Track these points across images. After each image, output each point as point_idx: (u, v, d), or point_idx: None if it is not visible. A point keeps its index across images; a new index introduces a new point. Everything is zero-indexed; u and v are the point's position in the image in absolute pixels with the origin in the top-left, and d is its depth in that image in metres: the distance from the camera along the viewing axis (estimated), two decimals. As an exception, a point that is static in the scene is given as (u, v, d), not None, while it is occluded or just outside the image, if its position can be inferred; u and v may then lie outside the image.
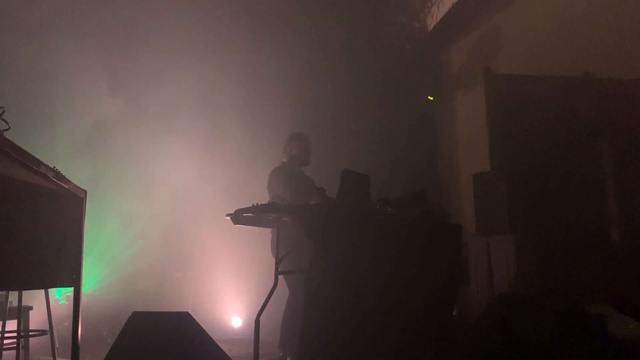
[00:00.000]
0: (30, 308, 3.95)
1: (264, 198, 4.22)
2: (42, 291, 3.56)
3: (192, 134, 6.28)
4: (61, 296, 5.72)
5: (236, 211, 3.62)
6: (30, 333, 3.74)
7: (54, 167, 2.25)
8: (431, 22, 6.86)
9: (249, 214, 3.61)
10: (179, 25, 6.36)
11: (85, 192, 2.75)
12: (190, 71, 6.33)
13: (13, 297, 3.73)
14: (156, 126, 6.22)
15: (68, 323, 5.28)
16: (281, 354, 4.29)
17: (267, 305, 3.60)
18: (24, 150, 1.85)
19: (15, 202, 2.35)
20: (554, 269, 5.46)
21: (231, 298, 6.30)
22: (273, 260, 4.01)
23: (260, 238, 4.85)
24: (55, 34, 5.80)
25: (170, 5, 6.34)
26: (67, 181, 2.44)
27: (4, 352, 3.54)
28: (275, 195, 4.30)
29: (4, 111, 1.80)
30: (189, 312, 3.13)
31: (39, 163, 2.02)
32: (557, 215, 5.76)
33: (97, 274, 6.06)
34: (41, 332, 3.74)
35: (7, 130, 1.80)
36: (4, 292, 3.61)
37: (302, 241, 3.52)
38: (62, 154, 5.14)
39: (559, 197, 5.86)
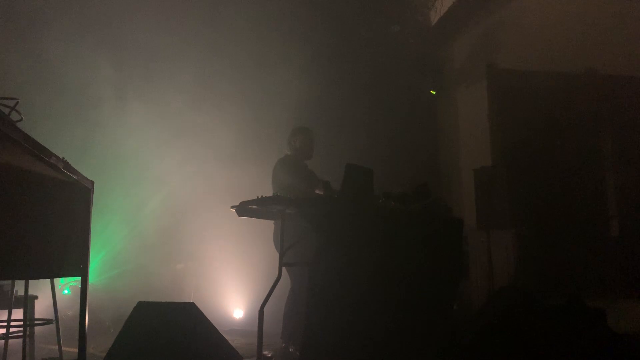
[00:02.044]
0: (36, 297, 3.98)
1: (266, 191, 4.25)
2: (45, 281, 3.60)
3: (196, 127, 6.30)
4: (64, 286, 5.76)
5: (241, 203, 3.64)
6: (36, 322, 3.77)
7: (63, 157, 2.27)
8: (435, 17, 6.86)
9: (254, 206, 3.63)
10: (181, 21, 6.37)
11: (92, 182, 2.77)
12: (194, 67, 6.36)
13: (18, 286, 3.76)
14: (160, 120, 6.24)
15: (71, 312, 5.32)
16: (284, 344, 4.34)
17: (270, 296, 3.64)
18: (36, 140, 1.88)
19: (24, 191, 2.38)
20: (554, 263, 5.50)
21: (233, 290, 6.34)
22: (275, 252, 4.05)
23: (262, 230, 4.89)
24: (70, 30, 5.85)
25: (173, 2, 6.35)
26: (76, 172, 2.46)
27: (10, 341, 3.58)
28: (281, 186, 4.32)
29: (17, 103, 1.82)
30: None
31: (50, 154, 2.04)
32: (557, 210, 5.80)
33: (99, 265, 6.10)
34: (47, 321, 3.77)
35: (20, 121, 1.83)
36: (9, 281, 3.64)
37: (306, 234, 3.55)
38: (71, 146, 5.16)
39: (560, 192, 5.90)
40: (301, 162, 4.68)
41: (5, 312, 3.54)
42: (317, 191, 4.47)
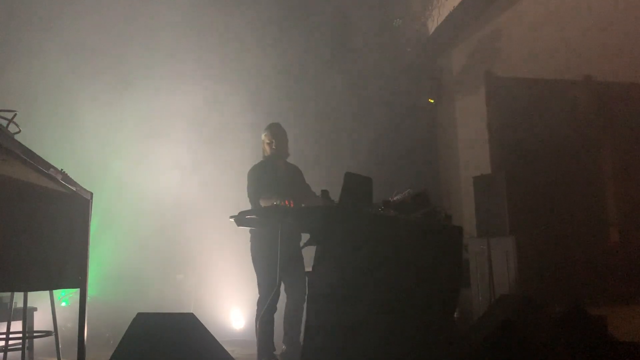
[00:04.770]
0: (35, 309, 3.97)
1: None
2: (45, 292, 3.59)
3: (194, 136, 6.31)
4: (64, 297, 5.74)
5: (240, 213, 3.65)
6: (35, 334, 3.76)
7: (62, 169, 2.27)
8: (432, 26, 6.90)
9: (252, 216, 3.64)
10: (176, 26, 6.39)
11: (91, 194, 2.77)
12: (190, 74, 6.37)
13: (17, 298, 3.76)
14: (157, 129, 6.25)
15: (71, 324, 5.29)
16: (284, 347, 4.31)
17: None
18: (34, 152, 1.88)
19: (23, 203, 2.38)
20: (554, 271, 5.48)
21: (233, 299, 6.31)
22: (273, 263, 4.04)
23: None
24: (59, 38, 5.89)
25: (167, 7, 6.38)
26: (74, 183, 2.46)
27: (9, 353, 3.57)
28: (249, 197, 4.29)
29: (15, 115, 1.83)
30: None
31: (48, 165, 2.04)
32: (557, 218, 5.79)
33: (99, 276, 6.07)
34: (46, 333, 3.76)
35: (18, 133, 1.83)
36: (9, 293, 3.63)
37: (305, 243, 3.55)
38: (69, 157, 5.18)
39: (559, 199, 5.89)
40: (276, 163, 4.46)
41: (4, 324, 3.54)
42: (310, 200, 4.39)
